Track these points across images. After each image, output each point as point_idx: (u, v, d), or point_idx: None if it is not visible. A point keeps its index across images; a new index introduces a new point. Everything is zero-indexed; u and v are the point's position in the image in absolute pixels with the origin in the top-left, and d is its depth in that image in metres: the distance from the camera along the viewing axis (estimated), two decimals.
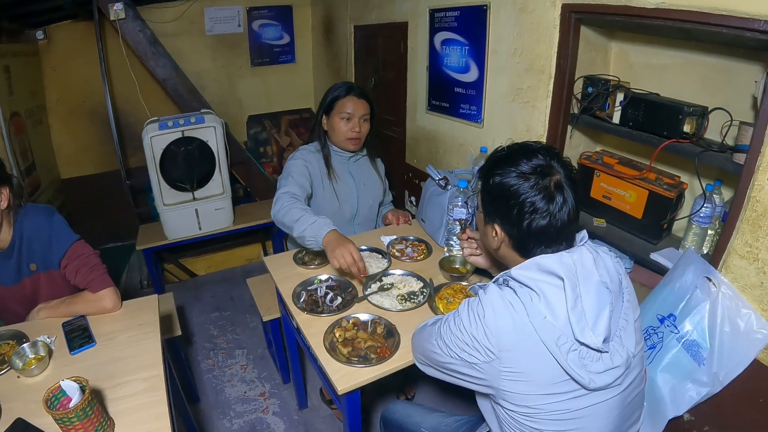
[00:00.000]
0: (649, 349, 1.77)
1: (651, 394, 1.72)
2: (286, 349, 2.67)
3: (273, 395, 3.07)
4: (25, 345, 1.81)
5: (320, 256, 2.32)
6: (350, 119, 2.45)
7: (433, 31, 2.88)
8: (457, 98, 2.80)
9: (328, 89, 2.55)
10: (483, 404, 1.47)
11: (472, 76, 2.65)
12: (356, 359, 1.70)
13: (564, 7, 2.08)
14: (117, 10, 3.74)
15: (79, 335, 1.91)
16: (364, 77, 3.93)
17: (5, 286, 2.07)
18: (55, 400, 1.43)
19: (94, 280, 2.02)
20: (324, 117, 2.54)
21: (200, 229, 3.70)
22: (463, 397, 2.69)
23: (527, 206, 1.24)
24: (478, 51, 2.56)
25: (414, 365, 1.63)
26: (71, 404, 1.39)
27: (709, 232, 1.93)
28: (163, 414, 1.54)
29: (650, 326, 1.80)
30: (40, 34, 4.30)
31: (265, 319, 2.76)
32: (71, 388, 1.42)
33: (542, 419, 1.26)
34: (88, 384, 1.43)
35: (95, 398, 1.44)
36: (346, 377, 1.65)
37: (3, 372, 1.75)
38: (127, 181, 4.22)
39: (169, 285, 4.40)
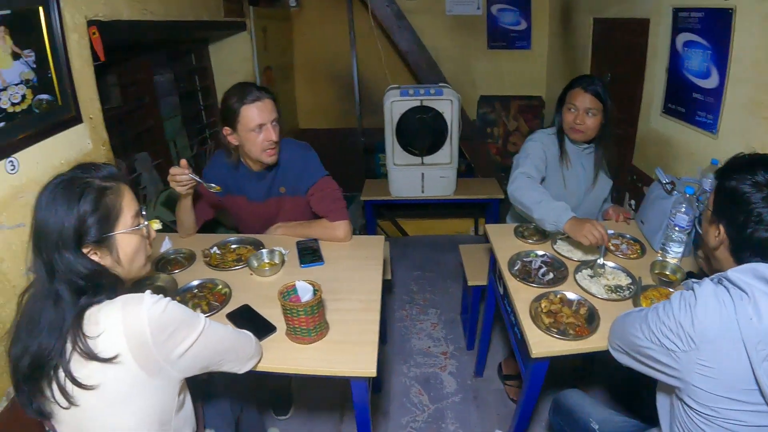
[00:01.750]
0: None
1: None
2: (481, 317, 2.75)
3: (453, 357, 3.20)
4: (263, 251, 2.17)
5: (539, 233, 2.36)
6: (574, 111, 2.42)
7: (675, 31, 2.69)
8: (694, 104, 2.60)
9: (571, 80, 2.56)
10: (662, 401, 1.47)
11: (711, 82, 2.46)
12: (555, 330, 1.74)
13: None
14: None
15: (309, 254, 2.19)
16: (599, 71, 3.80)
17: (253, 201, 2.42)
18: (287, 294, 1.67)
19: (334, 210, 2.30)
20: (561, 105, 2.55)
21: (423, 192, 3.93)
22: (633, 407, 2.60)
23: (754, 216, 1.26)
24: (720, 57, 2.37)
25: (601, 357, 1.63)
26: (303, 299, 1.61)
27: None
28: (373, 331, 1.72)
29: None
30: (293, 2, 4.85)
31: (470, 283, 2.88)
32: (304, 289, 1.65)
33: (718, 426, 1.23)
34: (320, 289, 1.63)
35: (322, 302, 1.64)
36: (543, 344, 1.70)
37: (239, 268, 2.14)
38: (361, 139, 4.59)
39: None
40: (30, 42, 1.76)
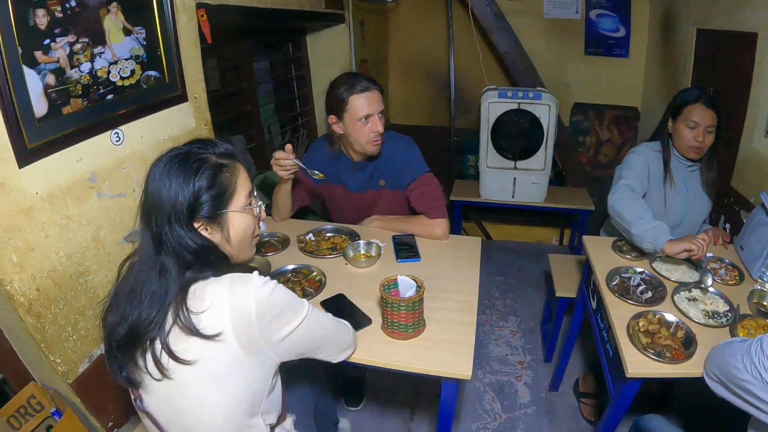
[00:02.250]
0: None
1: None
2: (564, 330, 2.70)
3: (530, 368, 3.15)
4: (360, 242, 2.21)
5: (638, 249, 2.27)
6: (695, 128, 2.33)
7: None
8: None
9: (678, 92, 2.47)
10: None
11: None
12: (652, 352, 1.69)
13: None
14: None
15: (406, 249, 2.21)
16: (700, 86, 3.62)
17: (350, 192, 2.46)
18: (387, 287, 1.68)
19: (433, 208, 2.30)
20: (670, 119, 2.45)
21: (513, 197, 3.88)
22: None
23: None
24: None
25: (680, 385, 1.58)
26: (407, 295, 1.62)
27: None
28: (470, 333, 1.71)
29: None
30: None
31: (557, 295, 2.84)
32: (406, 284, 1.65)
33: None
34: (423, 285, 1.64)
35: (422, 299, 1.65)
36: (639, 364, 1.66)
37: (333, 257, 2.17)
38: (454, 138, 4.60)
39: None
40: (141, 20, 1.86)
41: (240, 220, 1.32)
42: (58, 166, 1.60)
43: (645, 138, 2.62)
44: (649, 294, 1.99)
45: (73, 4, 1.54)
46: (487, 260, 4.39)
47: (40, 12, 1.43)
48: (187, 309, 1.15)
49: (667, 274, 2.14)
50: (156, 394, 1.24)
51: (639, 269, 2.16)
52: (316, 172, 2.22)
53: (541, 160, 3.72)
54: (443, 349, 1.64)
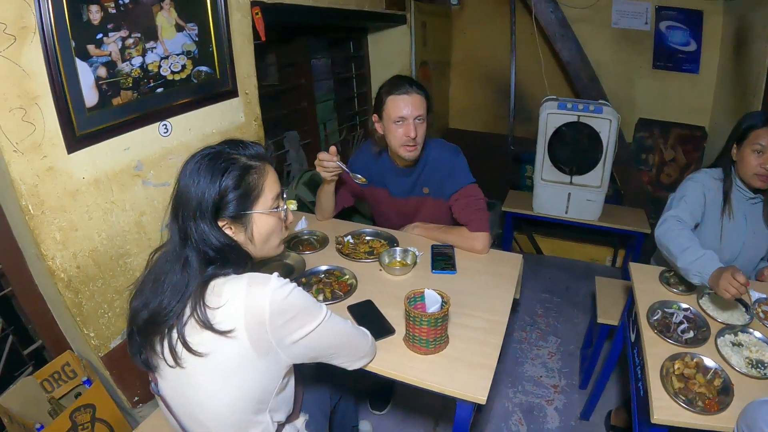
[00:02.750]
0: None
1: None
2: (602, 358, 2.61)
3: (564, 393, 3.05)
4: (397, 248, 2.20)
5: (686, 283, 2.15)
6: (762, 153, 2.19)
7: None
8: None
9: (744, 116, 2.31)
10: None
11: None
12: (683, 398, 1.60)
13: None
14: None
15: (443, 260, 2.18)
16: None
17: (394, 196, 2.45)
18: (413, 300, 1.66)
19: (475, 220, 2.26)
20: (735, 145, 2.30)
21: (566, 212, 3.76)
22: None
23: None
24: None
25: None
26: (430, 309, 1.61)
27: None
28: (493, 356, 1.66)
29: None
30: (454, 0, 4.90)
31: (599, 320, 2.73)
32: (432, 298, 1.64)
33: None
34: (449, 302, 1.62)
35: (447, 315, 1.62)
36: (667, 410, 1.57)
37: (369, 261, 2.17)
38: (511, 147, 4.56)
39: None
40: (194, 16, 1.91)
41: (264, 222, 1.35)
42: (106, 153, 1.67)
43: (711, 159, 2.48)
44: (691, 334, 1.88)
45: (127, 0, 1.60)
46: (534, 275, 4.26)
47: (94, 8, 1.49)
48: (204, 303, 1.20)
49: (714, 314, 2.01)
50: (169, 380, 1.31)
51: (684, 305, 2.04)
52: (359, 176, 2.22)
53: (599, 176, 3.58)
54: (462, 370, 1.60)
